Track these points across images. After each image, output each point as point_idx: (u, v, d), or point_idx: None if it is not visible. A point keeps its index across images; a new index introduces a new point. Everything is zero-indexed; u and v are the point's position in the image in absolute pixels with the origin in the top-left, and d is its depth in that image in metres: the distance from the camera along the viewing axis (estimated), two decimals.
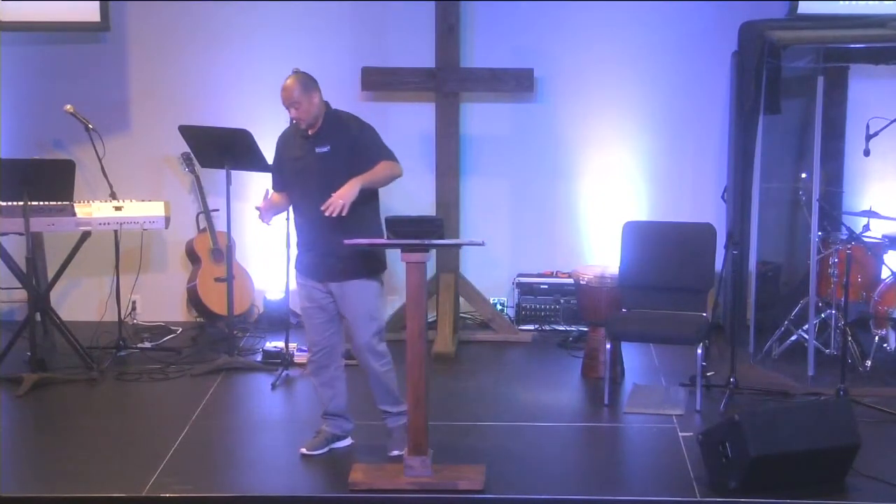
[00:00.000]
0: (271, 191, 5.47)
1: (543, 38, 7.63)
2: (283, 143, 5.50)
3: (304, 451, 5.50)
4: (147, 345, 7.30)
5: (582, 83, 7.67)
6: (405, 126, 7.70)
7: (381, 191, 7.68)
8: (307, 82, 5.30)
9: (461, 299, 7.62)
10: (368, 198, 5.32)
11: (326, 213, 5.12)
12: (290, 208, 5.61)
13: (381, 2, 7.61)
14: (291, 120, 5.33)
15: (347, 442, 5.61)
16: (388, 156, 5.35)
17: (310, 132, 5.33)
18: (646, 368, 6.92)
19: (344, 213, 5.12)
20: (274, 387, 6.53)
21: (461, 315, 7.72)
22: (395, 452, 5.44)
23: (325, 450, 5.53)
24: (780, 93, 7.07)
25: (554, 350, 7.34)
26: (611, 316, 6.44)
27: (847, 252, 6.46)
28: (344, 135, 5.32)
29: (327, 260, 5.31)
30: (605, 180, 7.75)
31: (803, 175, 7.03)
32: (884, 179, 7.50)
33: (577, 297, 6.95)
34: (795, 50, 6.90)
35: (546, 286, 7.72)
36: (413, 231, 5.07)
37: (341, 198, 5.12)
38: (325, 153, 5.29)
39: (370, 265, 5.36)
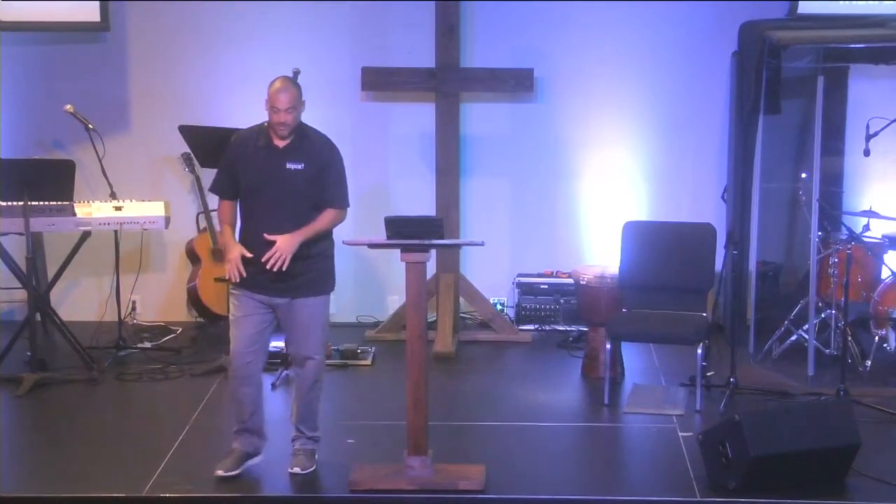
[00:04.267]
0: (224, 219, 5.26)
1: (543, 38, 7.62)
2: (242, 149, 5.17)
3: (220, 473, 5.21)
4: (147, 345, 7.30)
5: (582, 83, 7.67)
6: (405, 126, 7.70)
7: (381, 191, 7.71)
8: (300, 89, 5.12)
9: (461, 299, 7.62)
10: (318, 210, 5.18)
11: (268, 266, 4.99)
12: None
13: (381, 2, 7.61)
14: (269, 124, 5.09)
15: (259, 459, 5.36)
16: (341, 202, 5.22)
17: (276, 143, 5.12)
18: (646, 368, 6.92)
19: (284, 268, 5.02)
20: (274, 387, 6.53)
21: (461, 315, 7.72)
22: (297, 470, 5.28)
23: (240, 470, 5.27)
24: (780, 93, 7.07)
25: (554, 350, 7.34)
26: (611, 316, 6.44)
27: (847, 252, 6.47)
28: (318, 156, 5.14)
29: (285, 276, 5.09)
30: (605, 180, 7.75)
31: (803, 175, 7.03)
32: (884, 179, 7.50)
33: (577, 297, 6.95)
34: (795, 50, 6.90)
35: (546, 286, 7.72)
36: (413, 231, 5.07)
37: (284, 253, 5.01)
38: (299, 171, 5.10)
39: (329, 282, 5.29)
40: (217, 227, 7.37)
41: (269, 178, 5.11)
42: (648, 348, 7.18)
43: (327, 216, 5.17)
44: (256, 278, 5.13)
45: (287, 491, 5.22)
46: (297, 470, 5.29)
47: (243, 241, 5.18)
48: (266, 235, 5.05)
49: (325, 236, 5.24)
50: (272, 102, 5.06)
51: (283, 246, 5.04)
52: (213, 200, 7.43)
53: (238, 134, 5.35)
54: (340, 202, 5.22)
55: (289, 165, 5.10)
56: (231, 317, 5.26)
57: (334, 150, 5.23)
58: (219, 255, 7.39)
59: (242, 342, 5.22)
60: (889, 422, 5.90)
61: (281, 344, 6.82)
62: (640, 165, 7.74)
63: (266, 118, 5.14)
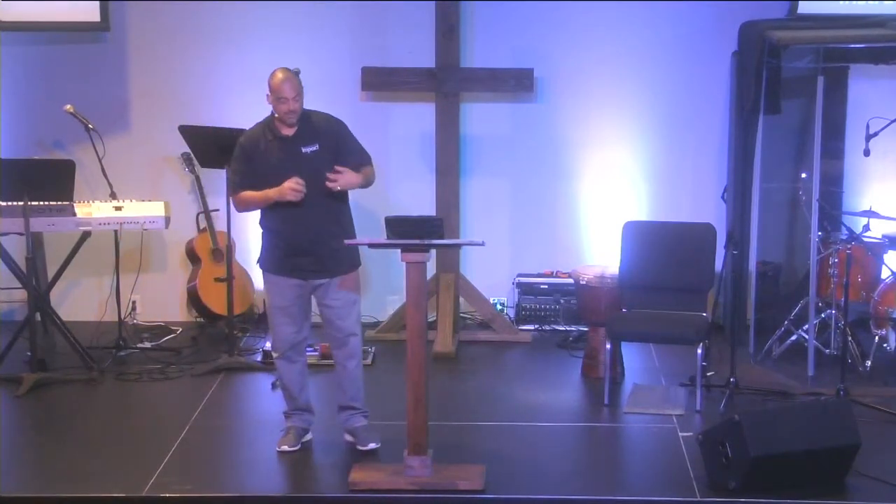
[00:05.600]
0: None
1: (543, 38, 7.62)
2: (254, 147, 5.38)
3: (285, 448, 5.52)
4: (147, 345, 7.30)
5: (582, 83, 7.67)
6: (405, 126, 7.71)
7: (382, 190, 7.72)
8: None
9: (461, 299, 7.62)
10: (346, 198, 5.47)
11: (329, 185, 5.22)
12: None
13: (381, 2, 7.61)
14: (275, 116, 5.30)
15: (310, 435, 5.67)
16: (369, 158, 5.52)
17: (286, 133, 5.33)
18: (646, 368, 6.91)
19: (336, 189, 5.26)
20: (274, 387, 6.53)
21: (461, 315, 7.72)
22: (372, 445, 5.54)
23: (299, 445, 5.58)
24: (780, 93, 7.06)
25: (554, 350, 7.34)
26: (611, 316, 6.44)
27: (847, 252, 6.47)
28: (327, 133, 5.38)
29: (321, 257, 5.35)
30: (605, 180, 7.75)
31: (803, 175, 7.03)
32: (884, 179, 7.50)
33: (577, 297, 6.95)
34: (795, 50, 6.90)
35: (546, 286, 7.72)
36: (413, 231, 5.07)
37: (347, 180, 5.26)
38: (315, 152, 5.33)
39: (356, 257, 5.53)
40: (217, 228, 7.45)
41: (288, 166, 5.30)
42: (648, 348, 7.18)
43: (369, 171, 5.48)
44: (295, 262, 5.37)
45: (287, 491, 5.22)
46: (372, 445, 5.54)
47: (271, 232, 5.40)
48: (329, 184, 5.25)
49: (348, 213, 5.49)
50: (278, 93, 5.26)
51: (350, 176, 5.30)
52: (213, 200, 7.50)
53: (244, 136, 5.48)
54: (369, 158, 5.51)
55: (304, 150, 5.32)
56: (271, 305, 5.49)
57: (338, 121, 5.49)
58: (219, 255, 7.39)
59: (287, 328, 5.47)
60: (889, 422, 5.90)
61: None
62: (640, 165, 7.74)
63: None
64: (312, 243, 5.36)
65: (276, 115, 5.34)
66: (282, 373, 5.61)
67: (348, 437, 5.66)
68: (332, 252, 5.37)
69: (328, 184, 5.25)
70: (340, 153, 5.37)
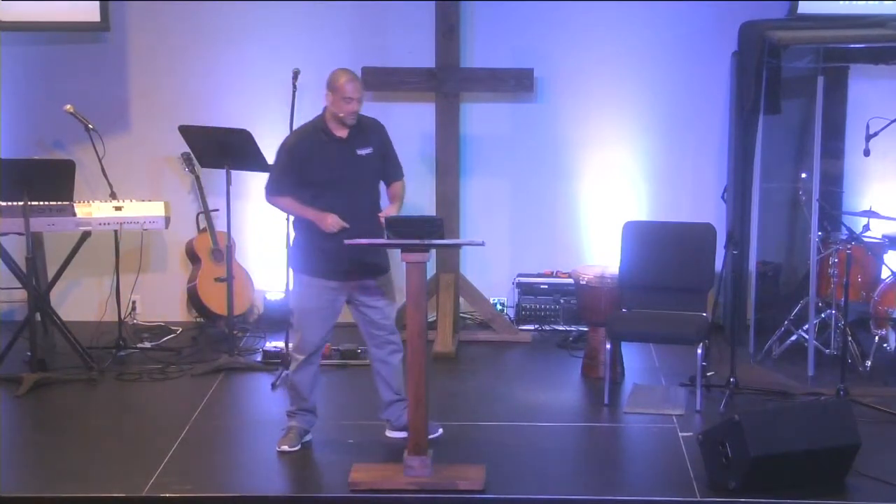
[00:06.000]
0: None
1: (543, 38, 7.62)
2: (307, 147, 5.38)
3: (285, 448, 5.52)
4: (147, 345, 7.29)
5: (582, 83, 7.67)
6: (405, 126, 7.68)
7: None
8: None
9: (461, 299, 7.62)
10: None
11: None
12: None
13: (381, 2, 7.61)
14: (332, 115, 5.31)
15: (310, 436, 5.67)
16: (402, 173, 5.62)
17: (340, 135, 5.36)
18: (646, 368, 6.91)
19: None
20: (274, 387, 6.53)
21: (461, 315, 7.71)
22: (440, 431, 5.63)
23: (299, 446, 5.57)
24: (780, 93, 7.06)
25: (554, 350, 7.34)
26: (611, 316, 6.44)
27: (847, 252, 6.47)
28: (378, 138, 5.47)
29: (367, 259, 5.40)
30: (605, 180, 7.75)
31: (803, 175, 7.03)
32: (884, 179, 7.50)
33: (577, 297, 6.95)
34: (795, 50, 6.89)
35: (546, 286, 7.72)
36: (413, 231, 5.07)
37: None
38: (369, 155, 5.40)
39: (388, 259, 5.61)
40: (217, 228, 7.45)
41: (343, 168, 5.34)
42: (648, 348, 7.18)
43: (401, 188, 5.58)
44: (339, 264, 5.36)
45: (287, 491, 5.22)
46: (440, 431, 5.63)
47: (313, 234, 5.39)
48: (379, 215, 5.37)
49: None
50: (343, 93, 5.30)
51: (395, 212, 5.43)
52: (212, 200, 7.49)
53: (292, 138, 5.50)
54: (402, 172, 5.63)
55: (359, 152, 5.39)
56: (303, 306, 5.50)
57: (383, 126, 5.54)
58: (219, 255, 7.39)
59: (318, 331, 5.50)
60: (889, 422, 5.90)
61: (281, 344, 6.86)
62: (640, 165, 7.74)
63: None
64: (360, 246, 5.35)
65: (334, 116, 5.34)
66: (297, 373, 5.58)
67: (396, 435, 5.62)
68: (375, 253, 5.43)
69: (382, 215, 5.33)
70: (384, 159, 5.47)
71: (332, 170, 5.35)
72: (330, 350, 6.93)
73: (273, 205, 5.56)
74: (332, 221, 5.29)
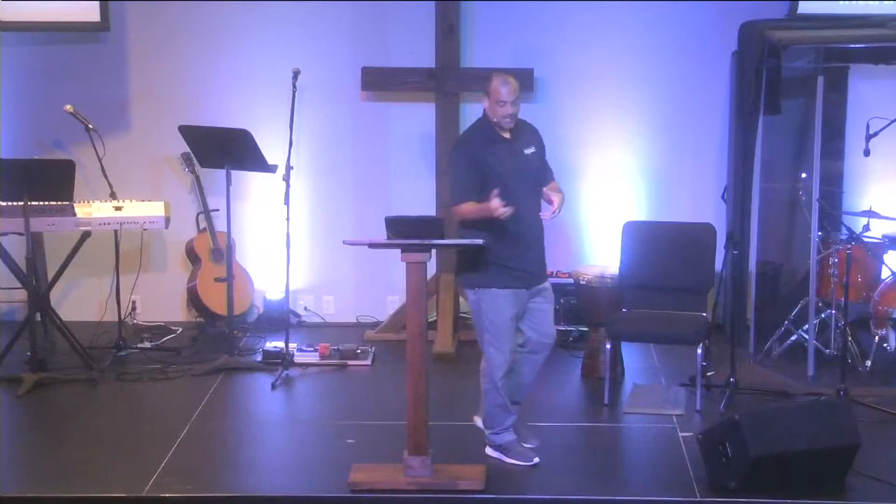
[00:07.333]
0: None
1: (543, 38, 7.62)
2: (482, 149, 5.25)
3: (536, 460, 5.41)
4: (147, 345, 7.29)
5: (582, 83, 7.67)
6: (405, 126, 7.70)
7: (381, 191, 7.72)
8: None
9: (461, 299, 7.61)
10: None
11: (546, 215, 5.30)
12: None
13: (381, 2, 7.61)
14: (491, 119, 5.26)
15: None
16: (553, 175, 5.56)
17: (506, 136, 5.32)
18: (646, 368, 6.92)
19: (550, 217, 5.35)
20: (274, 387, 6.53)
21: (461, 315, 7.71)
22: (536, 443, 5.57)
23: (537, 443, 5.58)
24: (780, 93, 7.06)
25: (554, 350, 7.31)
26: (611, 316, 6.44)
27: (847, 252, 6.46)
28: (536, 137, 5.45)
29: (541, 260, 5.43)
30: (605, 180, 7.75)
31: (803, 175, 7.03)
32: (884, 179, 7.50)
33: (577, 297, 6.95)
34: (795, 50, 6.89)
35: None
36: (413, 231, 5.07)
37: (559, 205, 5.34)
38: (534, 153, 5.40)
39: None
40: (216, 228, 7.45)
41: (515, 168, 5.31)
42: (648, 348, 7.18)
43: (557, 187, 5.52)
44: (525, 270, 5.32)
45: (287, 491, 5.22)
46: (536, 443, 5.57)
47: (501, 238, 5.24)
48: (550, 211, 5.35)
49: None
50: (496, 97, 5.24)
51: (558, 202, 5.36)
52: (212, 200, 7.48)
53: (465, 143, 5.41)
54: (552, 172, 5.57)
55: (526, 151, 5.37)
56: (503, 317, 5.32)
57: (538, 130, 5.51)
58: (219, 255, 7.39)
59: (510, 338, 5.37)
60: (889, 422, 5.91)
61: (281, 344, 6.86)
62: (640, 165, 7.74)
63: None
64: (537, 247, 5.37)
65: (494, 120, 5.27)
66: (506, 386, 5.40)
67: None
68: (544, 254, 5.46)
69: (544, 214, 5.32)
70: (543, 159, 5.48)
71: (506, 171, 5.24)
72: (330, 350, 6.94)
73: (459, 214, 5.29)
74: (503, 211, 5.03)
